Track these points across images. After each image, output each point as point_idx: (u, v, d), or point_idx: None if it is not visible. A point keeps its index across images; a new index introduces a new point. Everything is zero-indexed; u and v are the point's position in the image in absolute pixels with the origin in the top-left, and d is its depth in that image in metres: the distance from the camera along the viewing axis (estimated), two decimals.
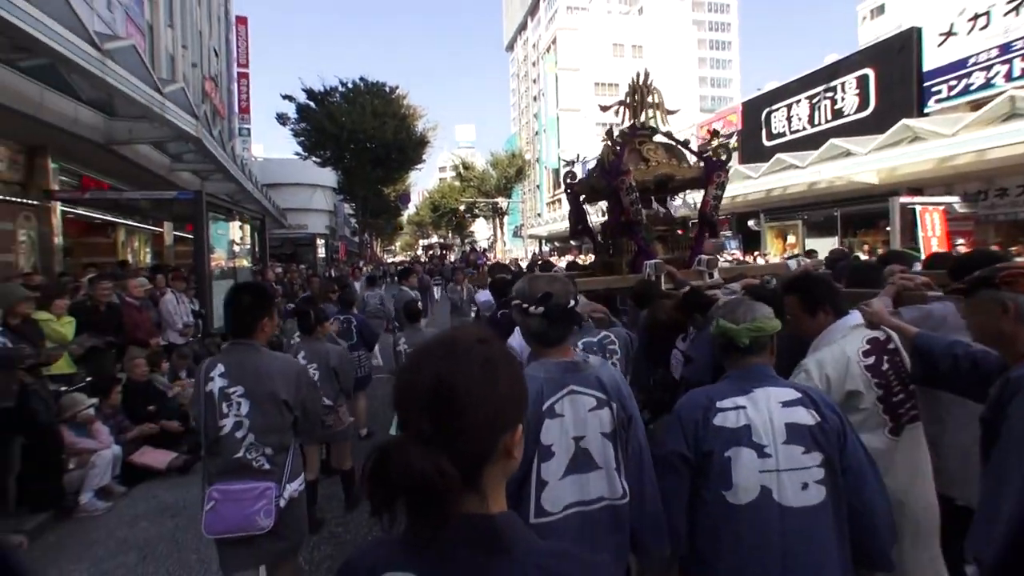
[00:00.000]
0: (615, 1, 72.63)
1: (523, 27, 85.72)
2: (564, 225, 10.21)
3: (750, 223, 21.06)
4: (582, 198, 5.57)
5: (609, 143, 4.49)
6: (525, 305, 1.81)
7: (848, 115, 17.55)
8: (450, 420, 0.78)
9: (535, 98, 66.80)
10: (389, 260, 45.32)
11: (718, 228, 4.97)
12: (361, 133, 27.64)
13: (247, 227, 11.39)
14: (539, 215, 54.51)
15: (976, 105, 12.92)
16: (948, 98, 14.78)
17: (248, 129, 34.27)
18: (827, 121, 18.22)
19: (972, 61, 14.17)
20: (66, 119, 8.43)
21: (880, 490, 1.78)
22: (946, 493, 2.28)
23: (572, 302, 1.84)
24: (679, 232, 4.97)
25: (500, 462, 0.85)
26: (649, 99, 4.86)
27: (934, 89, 15.12)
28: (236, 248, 10.41)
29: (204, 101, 22.60)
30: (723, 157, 4.69)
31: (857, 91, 17.25)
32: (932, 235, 11.14)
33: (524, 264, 16.21)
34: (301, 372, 2.68)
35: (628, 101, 4.93)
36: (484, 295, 5.83)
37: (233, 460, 2.42)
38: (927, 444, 2.27)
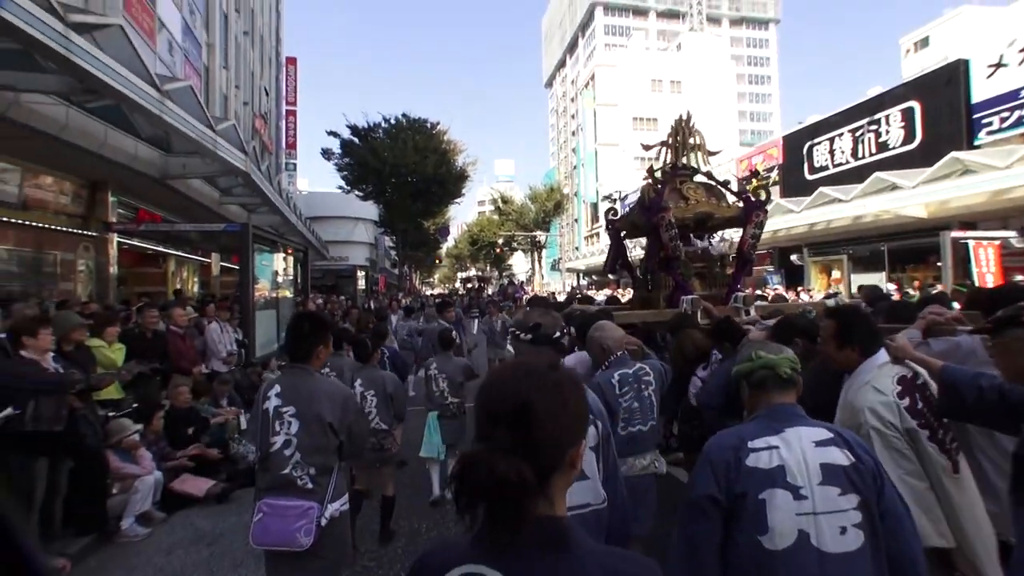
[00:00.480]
0: (653, 38, 73.60)
1: (562, 64, 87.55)
2: (602, 259, 10.20)
3: (793, 257, 20.59)
4: (623, 233, 5.61)
5: (650, 181, 4.54)
6: (518, 332, 2.12)
7: (893, 148, 17.14)
8: (528, 435, 0.90)
9: (573, 133, 67.47)
10: (427, 292, 45.77)
11: (752, 266, 4.94)
12: (403, 167, 28.20)
13: (290, 259, 11.71)
14: (577, 249, 54.42)
15: None
16: (1000, 130, 14.34)
17: (294, 164, 35.60)
18: (871, 154, 17.84)
19: None
20: (127, 155, 8.94)
21: (917, 536, 1.68)
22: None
23: (558, 333, 2.12)
24: (717, 269, 4.94)
25: (566, 471, 0.97)
26: (691, 140, 4.93)
27: (984, 121, 14.72)
28: (279, 279, 10.69)
29: (254, 137, 23.67)
30: (762, 197, 4.69)
31: (903, 124, 16.88)
32: (987, 270, 10.73)
33: (561, 298, 16.09)
34: (349, 398, 2.76)
35: (670, 142, 5.00)
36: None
37: (280, 476, 2.53)
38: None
